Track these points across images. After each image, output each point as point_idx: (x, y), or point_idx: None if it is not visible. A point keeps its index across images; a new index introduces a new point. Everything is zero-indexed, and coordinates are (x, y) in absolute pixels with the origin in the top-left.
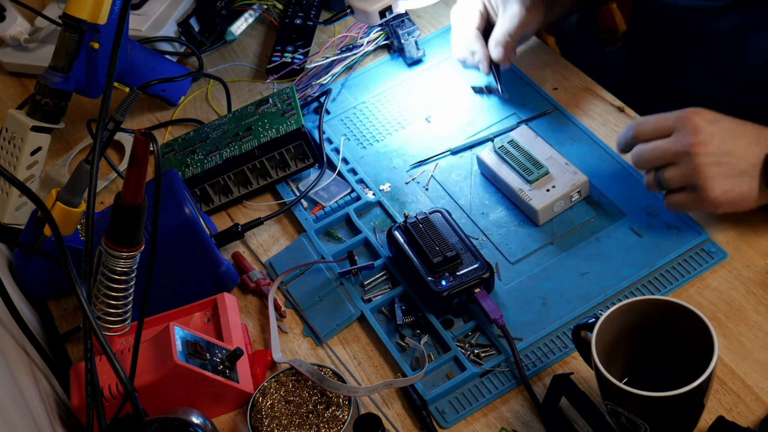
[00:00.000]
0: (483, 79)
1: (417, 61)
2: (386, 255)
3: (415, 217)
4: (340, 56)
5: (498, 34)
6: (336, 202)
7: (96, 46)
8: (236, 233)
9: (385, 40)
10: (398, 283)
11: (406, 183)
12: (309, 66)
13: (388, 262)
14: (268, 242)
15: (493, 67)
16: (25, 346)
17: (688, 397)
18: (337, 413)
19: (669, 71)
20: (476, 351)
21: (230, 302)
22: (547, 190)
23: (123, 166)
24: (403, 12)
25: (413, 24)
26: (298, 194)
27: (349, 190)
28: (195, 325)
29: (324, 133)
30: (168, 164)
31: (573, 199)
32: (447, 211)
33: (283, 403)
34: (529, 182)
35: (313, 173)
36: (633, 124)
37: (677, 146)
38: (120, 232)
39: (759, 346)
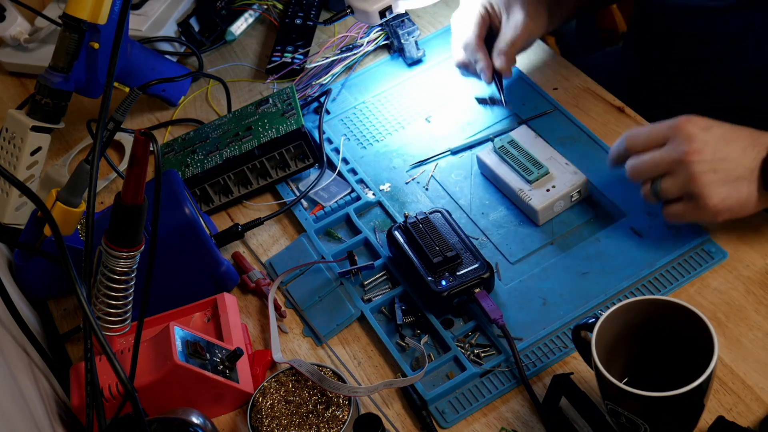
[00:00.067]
0: (484, 87)
1: (417, 61)
2: (386, 255)
3: (415, 217)
4: (340, 56)
5: (502, 43)
6: (336, 202)
7: (96, 46)
8: (236, 233)
9: (385, 40)
10: (398, 283)
11: (406, 183)
12: (309, 66)
13: (388, 262)
14: (268, 242)
15: (496, 76)
16: (25, 346)
17: (688, 397)
18: (337, 413)
19: (670, 71)
20: (476, 351)
21: (230, 302)
22: (547, 190)
23: (123, 166)
24: (403, 12)
25: (413, 24)
26: (298, 194)
27: (349, 190)
28: (195, 325)
29: (324, 133)
30: (168, 164)
31: (573, 199)
32: (447, 211)
33: (283, 403)
34: (529, 182)
35: (313, 173)
36: (624, 137)
37: (671, 155)
38: (120, 232)
39: (759, 346)
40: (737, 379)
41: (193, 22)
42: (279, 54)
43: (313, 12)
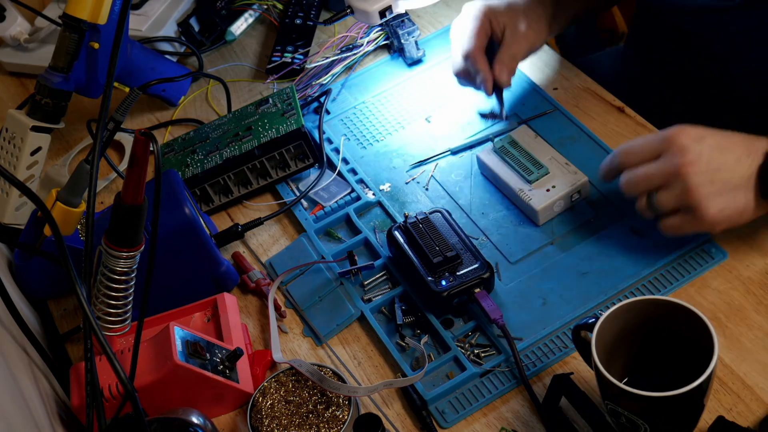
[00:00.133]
0: (482, 98)
1: (417, 61)
2: (386, 255)
3: (415, 217)
4: (340, 56)
5: (504, 56)
6: (336, 202)
7: (96, 46)
8: (236, 233)
9: (385, 40)
10: (398, 283)
11: (406, 183)
12: (309, 66)
13: (388, 262)
14: (268, 242)
15: (496, 89)
16: (25, 346)
17: (688, 397)
18: (337, 413)
19: (671, 71)
20: (476, 351)
21: (230, 302)
22: (547, 190)
23: (123, 166)
24: (403, 12)
25: (413, 24)
26: (298, 194)
27: (349, 190)
28: (195, 325)
29: (324, 133)
30: (168, 164)
31: (573, 199)
32: (447, 211)
33: (283, 403)
34: (529, 182)
35: (313, 173)
36: (617, 152)
37: (666, 169)
38: (120, 232)
39: (759, 346)
40: (737, 379)
41: (193, 22)
42: (279, 54)
43: (313, 12)
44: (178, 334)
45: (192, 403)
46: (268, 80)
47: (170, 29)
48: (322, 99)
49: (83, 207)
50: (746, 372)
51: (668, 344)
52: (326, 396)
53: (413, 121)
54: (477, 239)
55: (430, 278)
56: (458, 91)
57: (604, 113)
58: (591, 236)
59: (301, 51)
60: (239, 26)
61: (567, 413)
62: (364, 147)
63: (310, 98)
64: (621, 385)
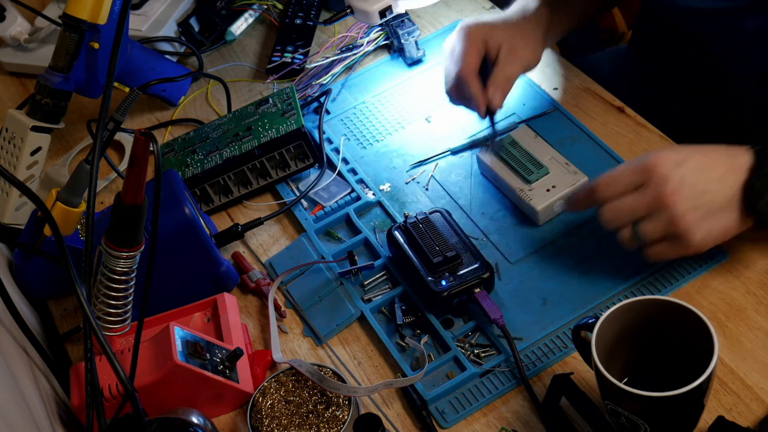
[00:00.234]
0: (476, 123)
1: (417, 61)
2: (386, 255)
3: (415, 217)
4: (340, 56)
5: (499, 77)
6: (336, 202)
7: (96, 46)
8: (236, 233)
9: (385, 40)
10: (398, 283)
11: (406, 183)
12: (309, 66)
13: (388, 262)
14: (268, 242)
15: (489, 112)
16: (25, 346)
17: (688, 397)
18: (337, 413)
19: (672, 71)
20: (476, 351)
21: (230, 302)
22: (547, 190)
23: (123, 166)
24: (403, 12)
25: (413, 24)
26: (298, 194)
27: (349, 190)
28: (195, 325)
29: (324, 133)
30: (168, 164)
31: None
32: (447, 211)
33: (283, 403)
34: (529, 182)
35: (313, 173)
36: (593, 184)
37: (650, 199)
38: (120, 232)
39: (759, 346)
40: (737, 379)
41: (193, 22)
42: (279, 54)
43: (313, 12)
44: (178, 334)
45: (192, 403)
46: (268, 80)
47: (170, 29)
48: (322, 99)
49: (83, 207)
50: (746, 372)
51: (668, 344)
52: (326, 396)
53: (413, 121)
54: (477, 239)
55: (430, 278)
56: None
57: (604, 113)
58: (591, 236)
59: (301, 51)
60: (239, 26)
61: (567, 413)
62: (364, 147)
63: (310, 98)
64: (621, 385)
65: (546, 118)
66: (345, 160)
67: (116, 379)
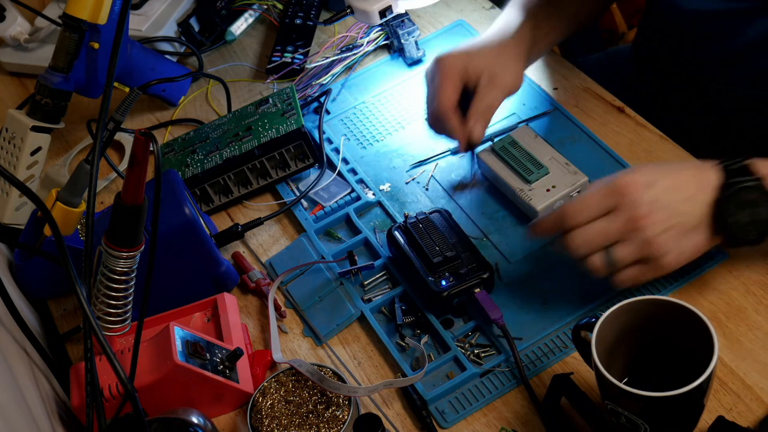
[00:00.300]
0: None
1: (417, 61)
2: (386, 255)
3: (415, 217)
4: (340, 56)
5: (479, 107)
6: (336, 202)
7: (96, 46)
8: (236, 233)
9: (385, 40)
10: (398, 283)
11: (406, 183)
12: (309, 66)
13: (388, 262)
14: (268, 242)
15: (470, 147)
16: (25, 346)
17: (688, 397)
18: (337, 413)
19: (673, 72)
20: (476, 351)
21: (230, 302)
22: (547, 190)
23: (123, 166)
24: (403, 12)
25: (413, 24)
26: (298, 194)
27: (349, 190)
28: (195, 325)
29: (324, 133)
30: (168, 164)
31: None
32: (447, 211)
33: (283, 403)
34: (529, 182)
35: (313, 173)
36: (561, 211)
37: (622, 223)
38: (120, 232)
39: (759, 346)
40: (737, 379)
41: (193, 22)
42: (279, 54)
43: (313, 12)
44: (178, 334)
45: (192, 403)
46: (268, 80)
47: (170, 29)
48: (322, 99)
49: (83, 207)
50: (746, 372)
51: (668, 344)
52: (326, 396)
53: (413, 121)
54: (477, 239)
55: (430, 278)
56: None
57: (604, 113)
58: None
59: (301, 51)
60: (239, 26)
61: (567, 413)
62: (364, 147)
63: (310, 98)
64: (621, 385)
65: (546, 118)
66: (345, 160)
67: (116, 379)
